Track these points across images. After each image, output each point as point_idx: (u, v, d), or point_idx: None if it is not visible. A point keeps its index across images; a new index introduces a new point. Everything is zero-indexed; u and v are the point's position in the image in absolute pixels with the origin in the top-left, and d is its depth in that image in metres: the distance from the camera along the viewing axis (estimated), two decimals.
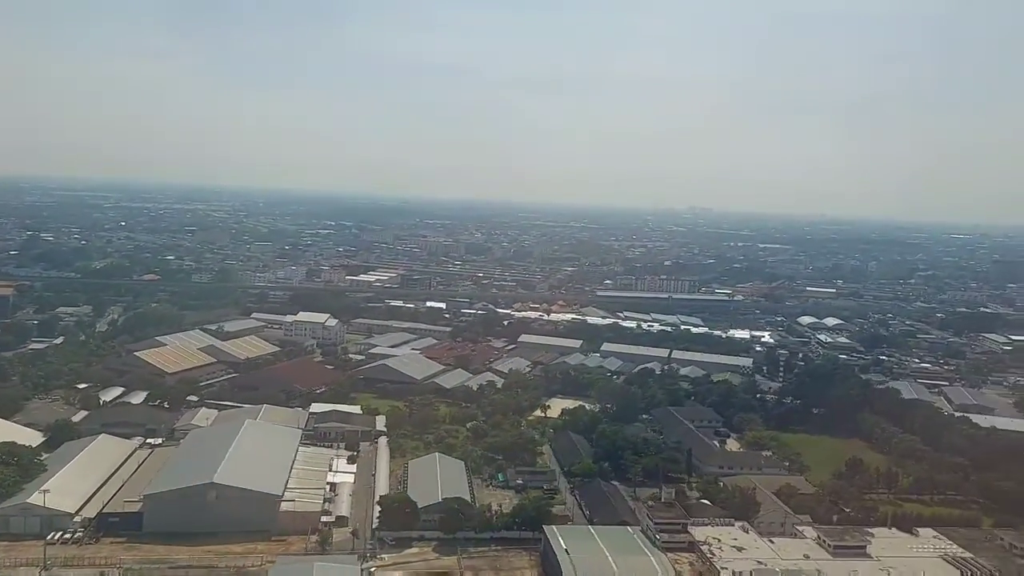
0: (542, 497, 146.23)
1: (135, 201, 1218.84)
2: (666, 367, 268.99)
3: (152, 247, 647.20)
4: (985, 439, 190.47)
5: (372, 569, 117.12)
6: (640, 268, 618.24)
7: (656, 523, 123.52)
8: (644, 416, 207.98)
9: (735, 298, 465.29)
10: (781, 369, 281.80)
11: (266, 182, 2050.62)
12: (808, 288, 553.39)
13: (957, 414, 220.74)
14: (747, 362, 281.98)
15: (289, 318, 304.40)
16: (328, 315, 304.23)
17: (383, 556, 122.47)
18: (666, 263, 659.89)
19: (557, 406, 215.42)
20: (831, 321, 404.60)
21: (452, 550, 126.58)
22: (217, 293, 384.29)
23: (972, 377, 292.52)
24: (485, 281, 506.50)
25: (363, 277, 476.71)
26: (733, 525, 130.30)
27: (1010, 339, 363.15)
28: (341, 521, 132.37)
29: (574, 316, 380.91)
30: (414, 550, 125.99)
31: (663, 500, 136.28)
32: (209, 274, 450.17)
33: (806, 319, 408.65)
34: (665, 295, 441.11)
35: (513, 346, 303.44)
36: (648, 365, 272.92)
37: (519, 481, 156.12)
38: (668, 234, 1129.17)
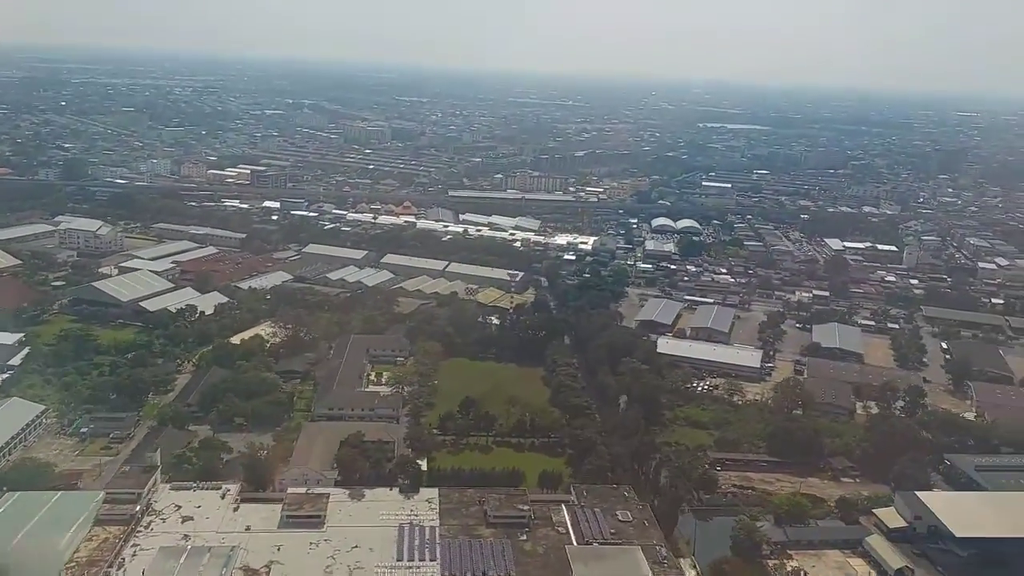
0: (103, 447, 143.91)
1: (122, 76, 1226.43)
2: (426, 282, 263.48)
3: (61, 132, 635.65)
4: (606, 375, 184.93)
5: None
6: (545, 160, 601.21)
7: (108, 491, 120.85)
8: (328, 344, 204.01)
9: (600, 197, 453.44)
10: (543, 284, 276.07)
11: (292, 51, 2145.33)
12: (705, 183, 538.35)
13: (661, 338, 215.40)
14: (515, 275, 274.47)
15: (64, 225, 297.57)
16: (101, 222, 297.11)
17: None
18: (578, 154, 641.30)
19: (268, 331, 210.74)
20: (683, 223, 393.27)
21: None
22: (42, 192, 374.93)
23: (763, 291, 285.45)
24: (368, 174, 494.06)
25: (228, 171, 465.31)
26: (219, 489, 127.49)
27: (844, 246, 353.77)
28: None
29: (407, 219, 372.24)
30: None
31: (149, 461, 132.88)
32: (57, 168, 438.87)
33: (659, 221, 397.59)
34: (519, 195, 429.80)
35: (297, 256, 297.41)
36: (416, 278, 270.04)
37: (84, 430, 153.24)
38: (648, 113, 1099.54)
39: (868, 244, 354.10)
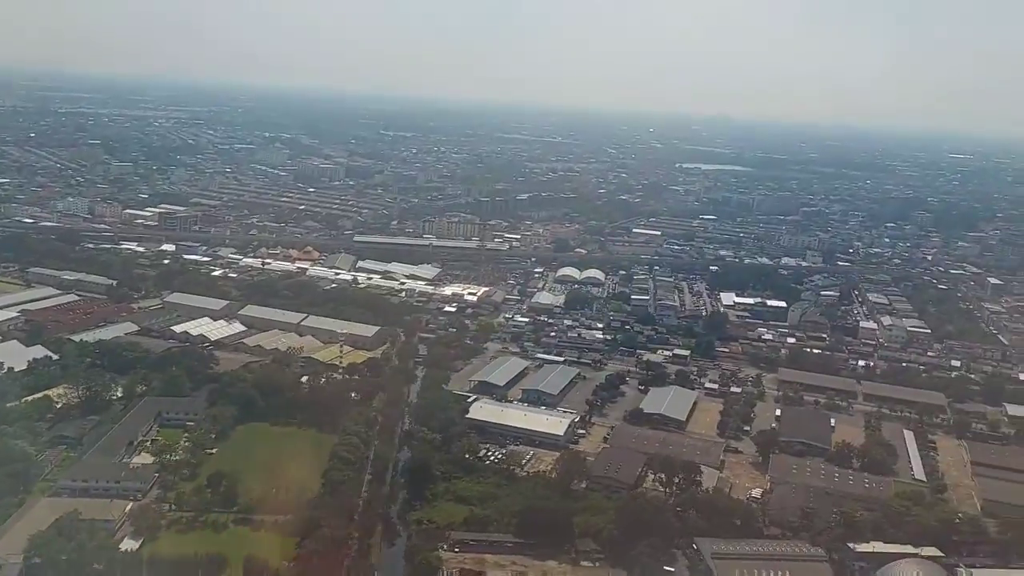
0: None
1: (113, 105, 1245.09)
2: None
3: (7, 167, 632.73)
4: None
5: None
6: (486, 203, 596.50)
7: None
8: (123, 407, 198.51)
9: (513, 245, 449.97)
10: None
11: (311, 80, 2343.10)
12: (635, 230, 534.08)
13: (476, 403, 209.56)
14: (369, 332, 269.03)
15: None
16: None
17: None
18: (521, 197, 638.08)
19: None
20: (587, 274, 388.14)
21: None
22: None
23: (625, 348, 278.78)
24: (293, 216, 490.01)
25: (146, 211, 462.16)
26: None
27: (735, 301, 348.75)
28: None
29: (301, 265, 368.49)
30: None
31: None
32: None
33: (564, 271, 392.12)
34: (427, 242, 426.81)
35: (159, 305, 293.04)
36: (267, 332, 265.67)
37: None
38: (632, 151, 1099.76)
39: (758, 299, 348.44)
